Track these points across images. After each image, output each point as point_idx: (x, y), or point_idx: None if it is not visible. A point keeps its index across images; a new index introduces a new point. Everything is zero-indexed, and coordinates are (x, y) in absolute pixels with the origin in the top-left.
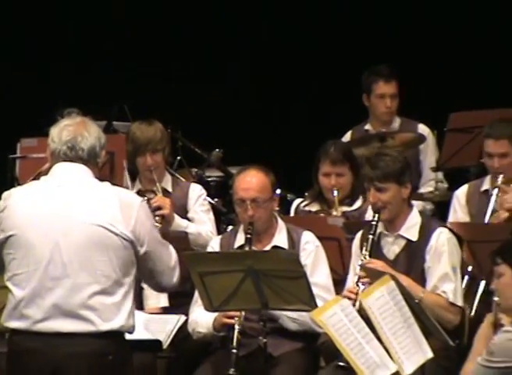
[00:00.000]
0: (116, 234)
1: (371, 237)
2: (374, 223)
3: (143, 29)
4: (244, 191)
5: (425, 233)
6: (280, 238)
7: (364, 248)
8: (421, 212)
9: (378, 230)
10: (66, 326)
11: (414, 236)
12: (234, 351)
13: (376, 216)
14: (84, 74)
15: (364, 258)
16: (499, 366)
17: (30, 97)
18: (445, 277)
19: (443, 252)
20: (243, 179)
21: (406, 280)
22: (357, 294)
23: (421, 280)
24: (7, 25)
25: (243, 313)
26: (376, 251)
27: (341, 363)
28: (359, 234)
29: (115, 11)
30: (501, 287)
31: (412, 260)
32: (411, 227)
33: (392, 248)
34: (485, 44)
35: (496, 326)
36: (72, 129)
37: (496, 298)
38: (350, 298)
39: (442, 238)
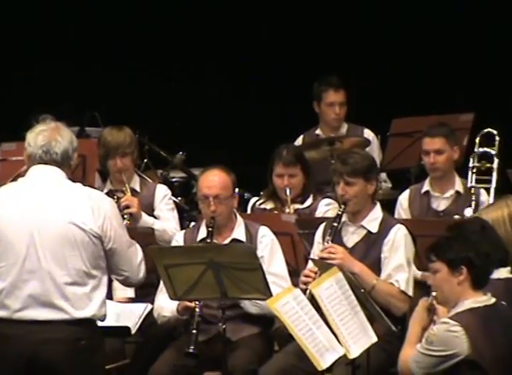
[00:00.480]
0: (86, 231)
1: (335, 224)
2: (339, 212)
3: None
4: (208, 189)
5: (385, 227)
6: (239, 232)
7: (328, 234)
8: (383, 210)
9: (343, 219)
10: (42, 314)
11: (374, 228)
12: (194, 331)
13: (342, 207)
14: (58, 80)
15: (327, 243)
16: (438, 354)
17: (7, 103)
18: (399, 268)
19: (400, 246)
20: (206, 177)
21: (361, 267)
22: (316, 273)
23: (375, 268)
24: None
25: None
26: (336, 239)
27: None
28: (323, 225)
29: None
30: (438, 283)
31: (369, 250)
32: (373, 220)
33: (352, 237)
34: (422, 55)
35: (431, 311)
36: (46, 134)
37: (433, 293)
38: (309, 277)
39: (400, 233)
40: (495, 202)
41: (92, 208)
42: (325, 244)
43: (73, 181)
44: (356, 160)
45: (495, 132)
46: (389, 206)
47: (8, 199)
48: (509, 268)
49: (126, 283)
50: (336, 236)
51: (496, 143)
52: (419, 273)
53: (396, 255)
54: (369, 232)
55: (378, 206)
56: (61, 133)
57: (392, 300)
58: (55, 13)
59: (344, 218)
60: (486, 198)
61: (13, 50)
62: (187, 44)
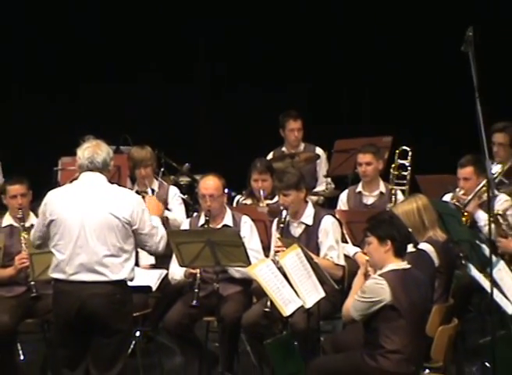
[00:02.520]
0: (119, 219)
1: (281, 224)
2: (284, 215)
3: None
4: (205, 189)
5: (317, 219)
6: (228, 220)
7: (278, 231)
8: (314, 205)
9: (287, 219)
10: (89, 277)
11: (310, 221)
12: (196, 290)
13: (285, 211)
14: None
15: (279, 236)
16: (369, 300)
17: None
18: (331, 248)
19: (329, 231)
20: (204, 181)
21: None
22: (278, 251)
23: (316, 250)
24: None
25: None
26: (286, 233)
27: (267, 309)
28: (276, 221)
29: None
30: (370, 251)
31: (309, 238)
32: (308, 216)
33: (296, 230)
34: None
35: (366, 275)
36: (90, 149)
37: (367, 258)
38: (277, 251)
39: (328, 222)
40: (407, 198)
41: (124, 202)
42: (278, 235)
43: (112, 183)
44: (288, 178)
45: (408, 149)
46: (333, 202)
47: (65, 196)
48: (412, 244)
49: (150, 253)
50: (284, 231)
51: (409, 157)
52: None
53: (327, 239)
54: (307, 225)
55: (309, 204)
56: (100, 148)
57: (331, 270)
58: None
59: (289, 217)
60: (401, 196)
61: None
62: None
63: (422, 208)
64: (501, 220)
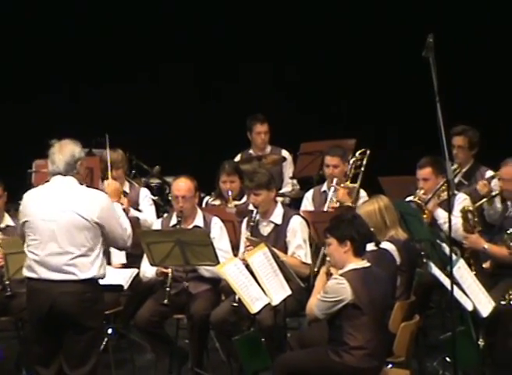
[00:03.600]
0: (87, 219)
1: (251, 223)
2: (254, 214)
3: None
4: (177, 191)
5: (286, 219)
6: (198, 220)
7: (248, 229)
8: (283, 205)
9: (257, 218)
10: (59, 276)
11: (279, 221)
12: (168, 289)
13: (255, 210)
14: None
15: (248, 235)
16: (331, 300)
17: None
18: (299, 247)
19: (297, 231)
20: (177, 183)
21: (275, 250)
22: (249, 246)
23: (284, 249)
24: None
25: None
26: (255, 231)
27: (235, 304)
28: (245, 220)
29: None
30: (330, 252)
31: (278, 237)
32: (277, 216)
33: (265, 229)
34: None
35: (328, 274)
36: (54, 154)
37: (328, 259)
38: (247, 246)
39: (296, 222)
40: (369, 199)
41: (93, 203)
42: (248, 233)
43: (82, 185)
44: (259, 177)
45: (368, 151)
46: (299, 203)
47: (37, 198)
48: (373, 243)
49: (119, 249)
50: (254, 230)
51: (365, 158)
52: None
53: (295, 238)
54: (276, 224)
55: (279, 204)
56: (62, 152)
57: (298, 268)
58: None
59: (258, 216)
60: (364, 194)
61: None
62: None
63: (384, 209)
64: (469, 216)
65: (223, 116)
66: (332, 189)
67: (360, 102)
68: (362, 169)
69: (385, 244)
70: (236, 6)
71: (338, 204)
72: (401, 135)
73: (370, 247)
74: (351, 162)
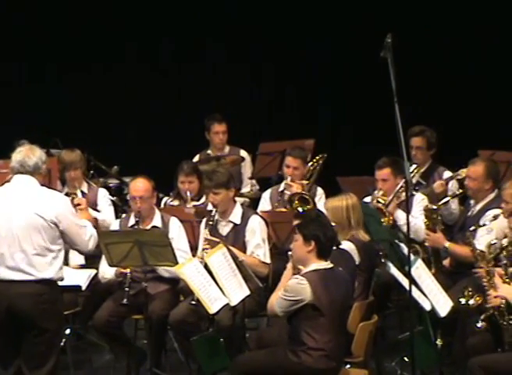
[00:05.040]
0: (45, 219)
1: (210, 223)
2: (213, 214)
3: None
4: (135, 191)
5: (245, 218)
6: (157, 221)
7: (207, 229)
8: (242, 205)
9: (216, 218)
10: (17, 276)
11: (238, 220)
12: (127, 289)
13: (214, 210)
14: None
15: (207, 234)
16: (291, 299)
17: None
18: (258, 246)
19: (256, 230)
20: (134, 183)
21: (234, 249)
22: (209, 244)
23: (243, 249)
24: None
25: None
26: (214, 231)
27: (193, 302)
28: (205, 219)
29: None
30: (294, 248)
31: (237, 236)
32: (236, 215)
33: (224, 228)
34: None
35: (295, 269)
36: (23, 153)
37: (290, 253)
38: (205, 248)
39: (255, 221)
40: (339, 195)
41: (51, 203)
42: (207, 233)
43: (42, 185)
44: (218, 176)
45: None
46: (257, 203)
47: None
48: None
49: (79, 252)
50: (213, 229)
51: (321, 159)
52: None
53: (254, 237)
54: (235, 224)
55: (238, 204)
56: (33, 152)
57: (257, 268)
58: None
59: (217, 216)
60: (321, 191)
61: None
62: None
63: (351, 207)
64: (433, 215)
65: (181, 116)
66: (285, 186)
67: (318, 102)
68: (318, 167)
69: (345, 244)
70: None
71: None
72: (358, 135)
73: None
74: (309, 164)
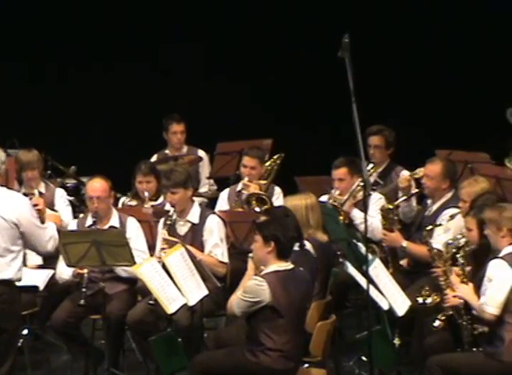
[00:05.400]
0: (5, 220)
1: (168, 222)
2: (171, 213)
3: None
4: (92, 191)
5: (203, 218)
6: (114, 221)
7: (165, 229)
8: (200, 204)
9: (174, 217)
10: None
11: (196, 220)
12: (84, 289)
13: (172, 209)
14: None
15: (165, 234)
16: (250, 300)
17: None
18: (216, 246)
19: (214, 230)
20: (91, 183)
21: (192, 249)
22: (167, 244)
23: (201, 248)
24: None
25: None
26: (172, 231)
27: (151, 302)
28: (163, 219)
29: None
30: (254, 249)
31: (195, 236)
32: (194, 215)
33: (182, 228)
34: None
35: (257, 269)
36: None
37: (250, 255)
38: (163, 248)
39: (213, 221)
40: (298, 194)
41: (11, 204)
42: (165, 232)
43: (2, 186)
44: (176, 176)
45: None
46: (215, 203)
47: None
48: (298, 243)
49: (38, 253)
50: (171, 229)
51: (277, 159)
52: None
53: (212, 237)
54: (193, 224)
55: (196, 203)
56: None
57: (215, 267)
58: None
59: (175, 215)
60: (279, 190)
61: None
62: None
63: (310, 207)
64: (389, 214)
65: (139, 116)
66: (240, 185)
67: (276, 102)
68: (275, 167)
69: None
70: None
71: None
72: (317, 135)
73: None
74: (267, 164)
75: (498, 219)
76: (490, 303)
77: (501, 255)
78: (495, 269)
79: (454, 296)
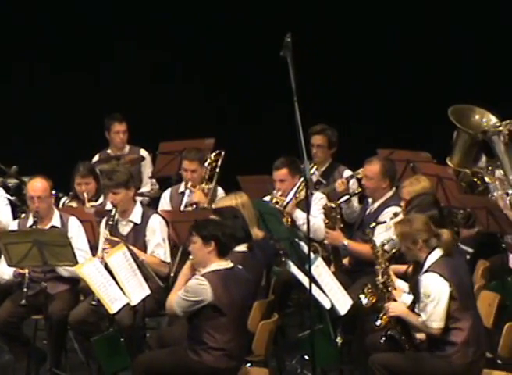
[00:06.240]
0: None
1: (110, 222)
2: (113, 213)
3: None
4: (33, 191)
5: (145, 218)
6: (56, 220)
7: (107, 229)
8: (142, 204)
9: (116, 217)
10: None
11: (138, 220)
12: (25, 289)
13: (114, 209)
14: None
15: (107, 234)
16: (191, 299)
17: None
18: (158, 245)
19: (156, 230)
20: (32, 183)
21: (135, 249)
22: (110, 244)
23: (144, 248)
24: None
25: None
26: (114, 231)
27: (94, 302)
28: (105, 219)
29: None
30: (194, 250)
31: (137, 236)
32: (136, 215)
33: (125, 228)
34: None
35: (192, 270)
36: None
37: (191, 257)
38: (106, 248)
39: (156, 221)
40: (228, 195)
41: None
42: (107, 233)
43: None
44: (117, 176)
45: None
46: (157, 202)
47: None
48: (246, 244)
49: None
50: (113, 229)
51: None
52: None
53: (154, 237)
54: (135, 224)
55: (138, 203)
56: None
57: (157, 267)
58: None
59: (117, 216)
60: (221, 191)
61: None
62: None
63: (241, 206)
64: (332, 212)
65: (81, 116)
66: (188, 192)
67: (219, 101)
68: (217, 170)
69: None
70: None
71: (194, 206)
72: (259, 134)
73: (241, 248)
74: (207, 164)
75: (411, 233)
76: (433, 319)
77: (427, 267)
78: (428, 283)
79: (391, 316)
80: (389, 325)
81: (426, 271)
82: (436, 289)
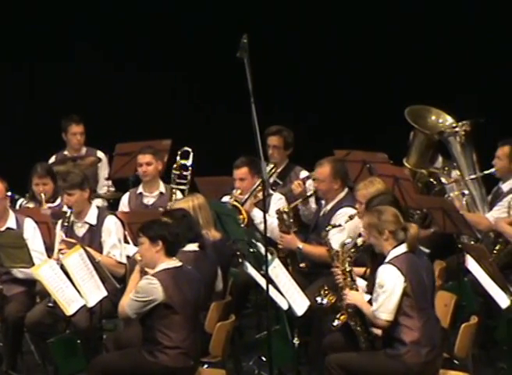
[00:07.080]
0: None
1: (66, 224)
2: (68, 215)
3: None
4: None
5: (101, 219)
6: (11, 222)
7: (63, 230)
8: (98, 206)
9: (71, 219)
10: None
11: (93, 221)
12: None
13: (69, 211)
14: None
15: (63, 236)
16: (142, 300)
17: None
18: (114, 246)
19: (112, 231)
20: None
21: (91, 250)
22: (66, 245)
23: (100, 249)
24: None
25: None
26: (70, 232)
27: (50, 304)
28: (60, 221)
29: None
30: (141, 252)
31: (93, 237)
32: (91, 216)
33: (80, 229)
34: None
35: (142, 273)
36: None
37: (139, 258)
38: (61, 251)
39: (111, 222)
40: (185, 196)
41: None
42: (62, 234)
43: None
44: (72, 177)
45: (190, 150)
46: (113, 204)
47: None
48: (197, 243)
49: None
50: (69, 231)
51: (190, 158)
52: None
53: (110, 238)
54: (91, 225)
55: (93, 205)
56: None
57: (113, 268)
58: None
59: (73, 217)
60: (181, 196)
61: None
62: None
63: (198, 207)
64: (285, 217)
65: (38, 116)
66: (140, 187)
67: (177, 102)
68: (189, 171)
69: (192, 244)
70: None
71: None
72: (218, 135)
73: (192, 247)
74: (175, 165)
75: (378, 223)
76: (382, 310)
77: (388, 259)
78: (384, 274)
79: (347, 304)
80: (346, 324)
81: (385, 263)
82: (391, 281)
